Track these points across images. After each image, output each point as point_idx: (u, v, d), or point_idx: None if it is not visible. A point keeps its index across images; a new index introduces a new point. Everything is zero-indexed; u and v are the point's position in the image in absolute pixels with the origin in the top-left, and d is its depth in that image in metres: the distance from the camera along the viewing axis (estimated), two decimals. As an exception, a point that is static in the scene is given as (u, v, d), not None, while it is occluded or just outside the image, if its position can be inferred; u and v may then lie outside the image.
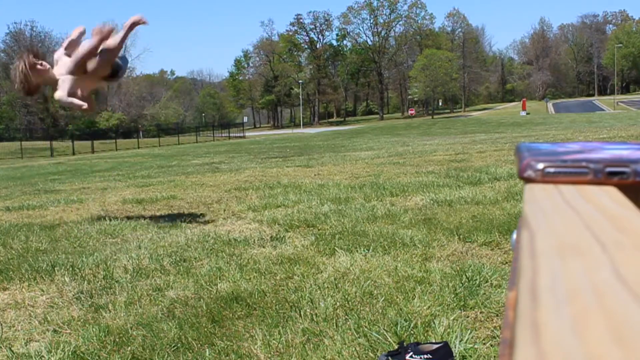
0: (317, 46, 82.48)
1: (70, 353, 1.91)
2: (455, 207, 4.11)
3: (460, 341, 1.79)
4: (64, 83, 3.35)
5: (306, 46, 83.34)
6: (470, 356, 1.72)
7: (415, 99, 78.87)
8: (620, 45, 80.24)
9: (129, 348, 1.92)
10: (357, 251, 3.00)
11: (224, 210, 4.81)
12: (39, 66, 3.36)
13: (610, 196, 0.39)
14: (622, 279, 0.22)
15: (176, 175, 9.01)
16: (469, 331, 1.86)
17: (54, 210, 5.42)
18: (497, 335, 1.84)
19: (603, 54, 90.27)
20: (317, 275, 2.63)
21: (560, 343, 0.18)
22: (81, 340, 2.01)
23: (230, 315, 2.18)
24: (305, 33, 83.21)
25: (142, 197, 5.92)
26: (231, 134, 49.00)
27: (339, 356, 1.76)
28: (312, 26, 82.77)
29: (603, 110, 53.24)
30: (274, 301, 2.29)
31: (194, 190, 6.43)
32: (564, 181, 0.44)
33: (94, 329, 2.11)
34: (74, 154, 30.25)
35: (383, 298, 2.23)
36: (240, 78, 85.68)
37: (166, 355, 1.86)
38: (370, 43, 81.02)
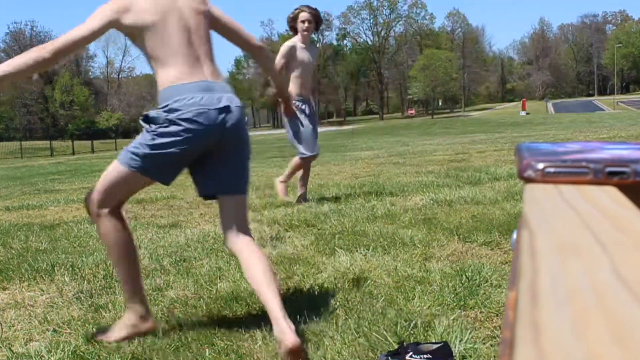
0: (317, 46, 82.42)
1: (70, 353, 1.91)
2: (455, 207, 4.11)
3: (460, 341, 1.79)
4: None
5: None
6: (470, 356, 1.72)
7: (415, 99, 78.85)
8: (620, 45, 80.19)
9: (129, 348, 1.92)
10: (357, 251, 3.00)
11: (224, 210, 4.81)
12: None
13: (610, 196, 0.39)
14: (622, 279, 0.22)
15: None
16: (469, 331, 1.86)
17: (54, 210, 5.42)
18: (497, 335, 1.84)
19: (603, 54, 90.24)
20: (317, 275, 2.63)
21: (560, 343, 0.18)
22: (81, 340, 2.01)
23: (230, 315, 2.18)
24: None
25: (142, 197, 5.92)
26: (231, 134, 48.88)
27: (339, 356, 1.76)
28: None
29: (603, 110, 53.23)
30: (274, 301, 2.29)
31: (194, 190, 6.42)
32: (564, 181, 0.44)
33: (94, 329, 2.11)
34: (73, 153, 30.25)
35: (383, 298, 2.23)
36: (240, 78, 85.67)
37: (166, 355, 1.86)
38: (370, 43, 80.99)
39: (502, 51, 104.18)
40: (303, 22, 4.60)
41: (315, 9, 4.68)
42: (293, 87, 4.57)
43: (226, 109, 1.92)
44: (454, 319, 1.96)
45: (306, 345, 1.84)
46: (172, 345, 1.93)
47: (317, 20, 4.67)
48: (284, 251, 3.13)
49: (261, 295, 1.82)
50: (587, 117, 33.52)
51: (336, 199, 4.93)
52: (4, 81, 1.82)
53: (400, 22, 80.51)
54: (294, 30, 4.69)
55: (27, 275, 2.92)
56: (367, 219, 3.89)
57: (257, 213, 4.51)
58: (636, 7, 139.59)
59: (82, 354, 1.91)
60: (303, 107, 4.59)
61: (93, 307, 2.39)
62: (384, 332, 1.89)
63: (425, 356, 1.64)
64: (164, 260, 3.06)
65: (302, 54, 4.61)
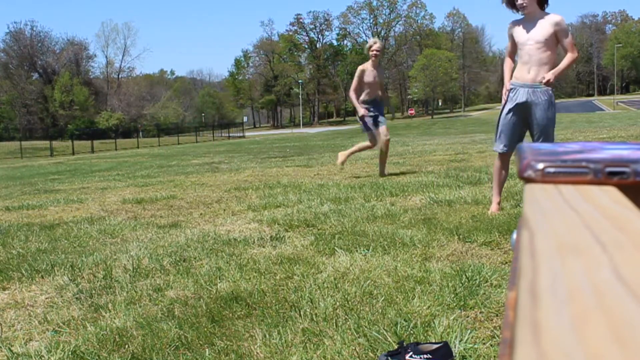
0: (317, 46, 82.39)
1: (70, 353, 1.91)
2: (455, 207, 4.11)
3: (460, 341, 1.79)
4: None
5: (306, 46, 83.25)
6: (470, 356, 1.72)
7: (415, 99, 78.83)
8: (620, 45, 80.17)
9: (129, 348, 1.92)
10: (357, 251, 3.00)
11: (224, 210, 4.81)
12: None
13: (610, 196, 0.39)
14: (622, 279, 0.22)
15: (176, 175, 9.01)
16: (469, 331, 1.86)
17: (54, 210, 5.42)
18: (497, 335, 1.84)
19: (603, 54, 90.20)
20: (317, 275, 2.63)
21: (560, 343, 0.18)
22: (81, 340, 2.01)
23: (230, 315, 2.18)
24: (305, 33, 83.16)
25: (142, 197, 5.92)
26: (231, 134, 48.98)
27: (339, 356, 1.76)
28: (312, 26, 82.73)
29: (603, 110, 53.20)
30: (273, 301, 2.29)
31: (193, 190, 6.43)
32: (564, 181, 0.44)
33: (93, 329, 2.11)
34: (73, 153, 30.22)
35: (383, 298, 2.23)
36: (240, 78, 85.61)
37: (166, 355, 1.86)
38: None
39: (502, 51, 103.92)
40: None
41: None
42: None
43: None
44: (454, 319, 1.97)
45: (306, 345, 1.84)
46: (172, 345, 1.93)
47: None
48: (283, 251, 3.13)
49: None
50: (587, 117, 33.49)
51: (336, 199, 4.93)
52: None
53: (400, 22, 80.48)
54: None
55: (27, 275, 2.92)
56: (367, 219, 3.89)
57: (257, 213, 4.51)
58: (636, 7, 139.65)
59: (82, 354, 1.91)
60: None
61: (93, 307, 2.39)
62: (384, 332, 1.89)
63: (425, 356, 1.64)
64: (164, 260, 3.06)
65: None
